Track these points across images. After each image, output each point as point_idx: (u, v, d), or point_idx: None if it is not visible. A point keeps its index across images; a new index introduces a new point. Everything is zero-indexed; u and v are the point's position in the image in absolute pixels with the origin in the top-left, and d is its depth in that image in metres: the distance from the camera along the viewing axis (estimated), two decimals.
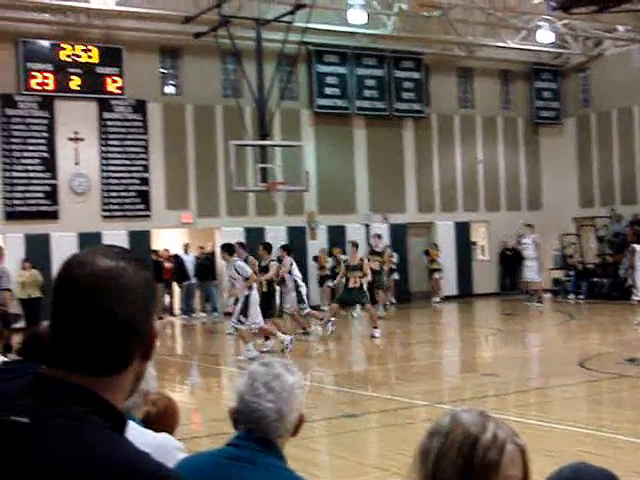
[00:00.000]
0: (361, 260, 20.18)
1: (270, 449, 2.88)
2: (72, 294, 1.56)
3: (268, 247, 18.77)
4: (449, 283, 29.97)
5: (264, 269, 18.21)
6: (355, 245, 21.11)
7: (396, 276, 27.92)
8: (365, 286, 19.98)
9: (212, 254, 26.57)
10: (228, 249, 16.63)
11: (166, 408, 3.92)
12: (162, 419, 3.78)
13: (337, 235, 27.78)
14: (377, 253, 23.59)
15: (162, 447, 3.11)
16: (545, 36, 29.69)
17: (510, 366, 15.33)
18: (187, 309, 26.33)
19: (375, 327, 19.11)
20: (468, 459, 1.85)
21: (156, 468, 1.53)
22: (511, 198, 32.18)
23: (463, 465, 1.84)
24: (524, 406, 11.39)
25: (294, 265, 19.54)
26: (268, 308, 17.67)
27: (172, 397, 4.14)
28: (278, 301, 19.65)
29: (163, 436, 3.32)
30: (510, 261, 30.48)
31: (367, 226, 28.70)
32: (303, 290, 19.29)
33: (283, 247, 20.41)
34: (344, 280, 19.89)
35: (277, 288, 19.37)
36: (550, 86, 33.14)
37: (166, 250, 26.53)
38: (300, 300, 19.04)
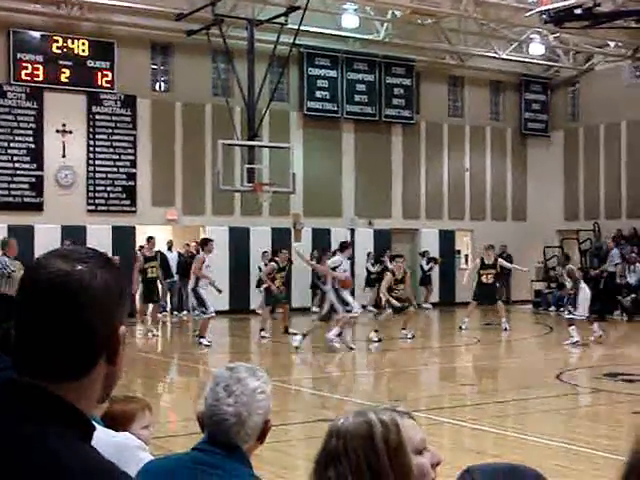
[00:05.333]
0: (495, 259, 22.21)
1: (235, 454, 2.85)
2: (29, 298, 1.56)
3: None
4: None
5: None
6: (492, 247, 22.87)
7: None
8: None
9: (196, 252, 26.45)
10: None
11: (126, 407, 3.89)
12: (123, 417, 3.76)
13: (322, 238, 27.78)
14: (490, 266, 22.22)
15: (122, 446, 3.10)
16: (536, 49, 29.87)
17: (488, 377, 15.40)
18: (170, 307, 26.22)
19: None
20: (375, 461, 1.93)
21: (122, 478, 1.52)
22: (496, 208, 32.28)
23: (376, 467, 1.93)
24: (501, 417, 11.42)
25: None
26: None
27: (138, 395, 4.11)
28: None
29: (123, 435, 3.30)
30: None
31: (352, 230, 28.72)
32: None
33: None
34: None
35: None
36: (539, 98, 33.26)
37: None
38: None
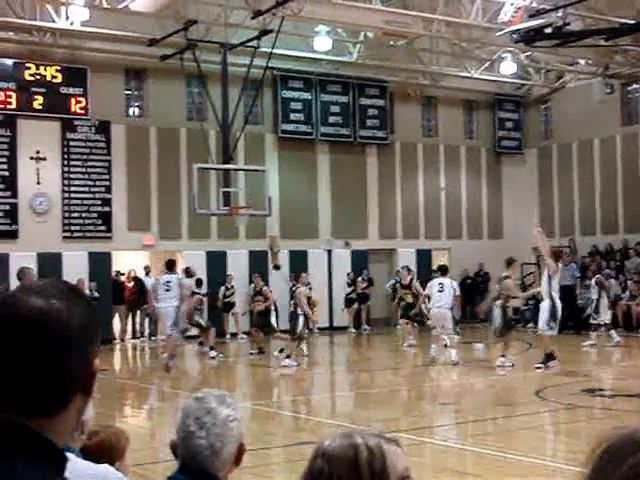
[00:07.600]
0: (411, 281, 22.58)
1: None
2: (3, 336, 1.51)
3: None
4: None
5: None
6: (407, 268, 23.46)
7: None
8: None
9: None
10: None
11: (104, 439, 3.85)
12: (102, 450, 3.72)
13: (299, 260, 27.77)
14: (406, 286, 22.90)
15: (102, 478, 3.07)
16: (508, 67, 30.08)
17: (468, 394, 15.40)
18: (147, 332, 26.08)
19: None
20: None
21: None
22: (472, 226, 32.41)
23: None
24: (482, 435, 11.43)
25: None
26: None
27: (117, 426, 4.09)
28: None
29: (103, 467, 3.28)
30: (470, 289, 30.60)
31: (329, 251, 28.75)
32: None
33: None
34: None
35: None
36: (512, 117, 33.52)
37: (131, 271, 26.43)
38: None
